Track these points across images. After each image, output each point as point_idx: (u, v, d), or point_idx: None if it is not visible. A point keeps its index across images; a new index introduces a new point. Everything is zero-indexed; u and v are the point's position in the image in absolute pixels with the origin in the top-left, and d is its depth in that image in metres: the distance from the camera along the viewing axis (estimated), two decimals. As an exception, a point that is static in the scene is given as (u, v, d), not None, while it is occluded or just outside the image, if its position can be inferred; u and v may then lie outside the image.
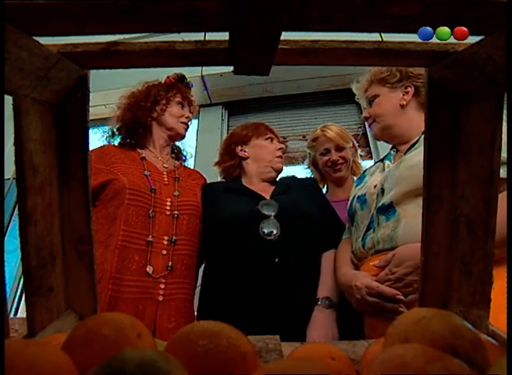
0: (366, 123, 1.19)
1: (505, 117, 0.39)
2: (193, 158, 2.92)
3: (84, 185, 0.44)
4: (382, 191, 0.97)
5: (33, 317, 0.39)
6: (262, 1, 0.28)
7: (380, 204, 0.95)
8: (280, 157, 1.29)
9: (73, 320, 0.44)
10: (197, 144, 2.98)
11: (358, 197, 1.07)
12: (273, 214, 1.11)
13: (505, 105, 0.38)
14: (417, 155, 0.93)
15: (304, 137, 2.75)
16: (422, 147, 0.92)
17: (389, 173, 0.99)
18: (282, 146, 1.32)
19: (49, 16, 0.31)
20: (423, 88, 1.00)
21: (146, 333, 0.33)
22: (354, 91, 1.19)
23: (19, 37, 0.31)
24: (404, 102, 1.04)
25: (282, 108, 3.00)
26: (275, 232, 1.08)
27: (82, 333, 0.31)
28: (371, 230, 0.95)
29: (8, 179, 1.66)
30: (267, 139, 1.31)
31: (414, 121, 1.01)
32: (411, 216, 0.86)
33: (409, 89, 1.04)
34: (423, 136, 0.94)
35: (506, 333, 0.34)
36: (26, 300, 0.39)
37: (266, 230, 1.08)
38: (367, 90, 1.14)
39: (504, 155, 0.40)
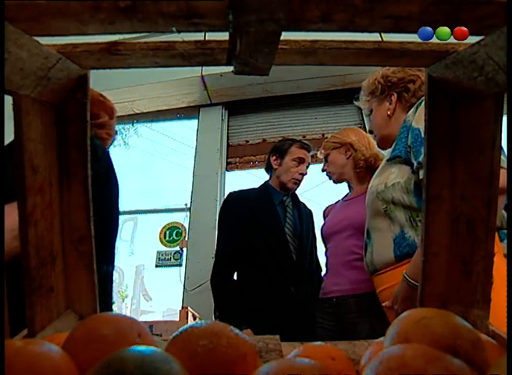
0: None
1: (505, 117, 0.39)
2: (193, 158, 2.94)
3: (84, 185, 0.44)
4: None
5: (33, 317, 0.39)
6: (262, 1, 0.28)
7: (366, 228, 1.07)
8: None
9: (73, 320, 0.44)
10: (197, 144, 2.98)
11: None
12: None
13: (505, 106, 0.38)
14: (372, 180, 1.06)
15: (304, 137, 2.75)
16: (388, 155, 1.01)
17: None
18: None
19: (49, 16, 0.31)
20: (404, 93, 1.10)
21: (146, 333, 0.33)
22: (361, 106, 1.28)
23: (19, 37, 0.31)
24: (390, 112, 1.12)
25: (282, 108, 3.00)
26: None
27: (82, 333, 0.31)
28: (365, 252, 1.05)
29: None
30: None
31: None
32: (377, 243, 0.99)
33: (392, 97, 1.12)
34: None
35: (506, 333, 0.34)
36: (26, 300, 0.39)
37: None
38: (364, 106, 1.25)
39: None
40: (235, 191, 1.63)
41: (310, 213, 1.68)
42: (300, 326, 1.31)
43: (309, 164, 1.62)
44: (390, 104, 1.12)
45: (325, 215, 1.57)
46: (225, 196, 1.65)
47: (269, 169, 1.67)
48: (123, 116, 3.12)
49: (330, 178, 1.54)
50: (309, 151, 1.62)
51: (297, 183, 1.59)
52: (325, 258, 1.45)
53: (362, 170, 1.44)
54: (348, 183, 1.51)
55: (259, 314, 1.34)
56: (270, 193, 1.58)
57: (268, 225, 1.48)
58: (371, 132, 1.25)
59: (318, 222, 1.59)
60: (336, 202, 1.56)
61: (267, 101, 2.99)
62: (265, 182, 1.67)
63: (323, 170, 1.55)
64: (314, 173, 1.66)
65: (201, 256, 2.55)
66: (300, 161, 1.59)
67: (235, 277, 1.48)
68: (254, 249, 1.45)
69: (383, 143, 1.19)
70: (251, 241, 1.45)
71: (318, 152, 1.58)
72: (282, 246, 1.46)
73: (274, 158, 1.63)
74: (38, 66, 0.35)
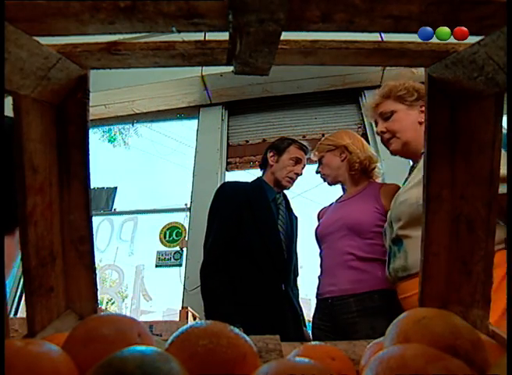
0: (381, 138, 1.21)
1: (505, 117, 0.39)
2: (193, 158, 2.94)
3: (84, 185, 0.44)
4: (391, 223, 1.09)
5: (33, 317, 0.39)
6: (262, 1, 0.28)
7: (392, 236, 1.07)
8: None
9: (73, 320, 0.44)
10: (197, 144, 2.98)
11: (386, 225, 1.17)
12: None
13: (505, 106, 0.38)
14: (407, 192, 1.05)
15: (304, 137, 2.75)
16: (420, 171, 0.96)
17: (392, 206, 1.11)
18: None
19: (49, 16, 0.31)
20: None
21: (146, 333, 0.33)
22: (366, 106, 1.26)
23: (19, 37, 0.31)
24: (422, 120, 1.11)
25: (282, 108, 3.00)
26: None
27: (82, 333, 0.31)
28: (392, 259, 1.06)
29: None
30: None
31: None
32: (415, 248, 0.96)
33: (424, 108, 1.09)
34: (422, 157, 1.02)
35: (506, 333, 0.33)
36: (26, 300, 0.39)
37: None
38: (379, 105, 1.18)
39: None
40: (229, 181, 1.61)
41: (296, 219, 1.66)
42: (289, 323, 1.31)
43: (304, 165, 1.61)
44: (421, 113, 1.11)
45: (320, 217, 1.56)
46: (218, 186, 1.59)
47: (265, 165, 1.64)
48: (123, 116, 3.11)
49: (325, 180, 1.54)
50: (306, 153, 1.62)
51: (291, 181, 1.57)
52: (319, 260, 1.44)
53: (357, 173, 1.43)
54: (342, 185, 1.51)
55: (249, 309, 1.29)
56: (264, 188, 1.56)
57: (263, 219, 1.45)
58: (383, 133, 1.17)
59: (313, 223, 1.57)
60: (330, 204, 1.56)
61: (267, 101, 2.99)
62: (258, 178, 1.64)
63: (317, 172, 1.55)
64: (314, 174, 1.65)
65: (201, 256, 2.54)
66: (297, 161, 1.58)
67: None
68: (247, 242, 1.40)
69: (402, 148, 1.14)
70: (245, 232, 1.41)
71: (312, 154, 1.58)
72: (276, 242, 1.43)
73: (271, 154, 1.61)
74: (38, 66, 0.35)
